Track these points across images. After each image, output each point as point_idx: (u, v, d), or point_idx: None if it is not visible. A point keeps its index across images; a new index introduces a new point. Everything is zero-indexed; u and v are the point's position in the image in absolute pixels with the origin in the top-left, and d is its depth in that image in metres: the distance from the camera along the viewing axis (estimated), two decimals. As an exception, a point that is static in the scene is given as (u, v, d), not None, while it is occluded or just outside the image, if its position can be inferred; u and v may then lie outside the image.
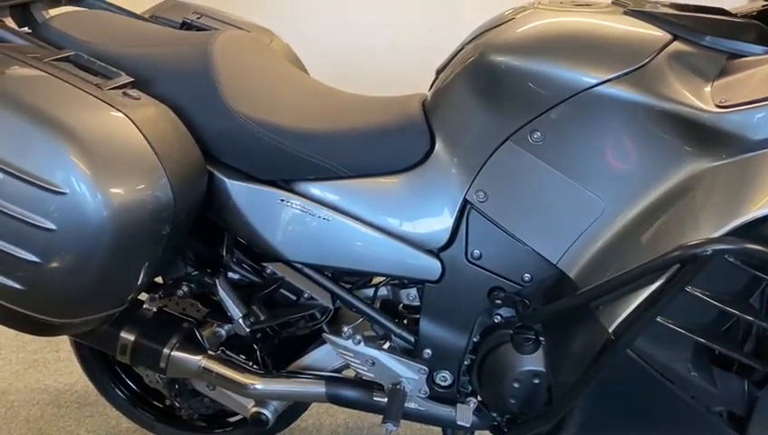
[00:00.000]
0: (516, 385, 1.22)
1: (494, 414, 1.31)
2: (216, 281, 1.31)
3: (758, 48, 1.06)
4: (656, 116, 1.03)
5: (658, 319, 1.02)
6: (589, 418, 1.19)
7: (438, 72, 1.30)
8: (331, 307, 1.32)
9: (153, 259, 1.15)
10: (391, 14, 2.81)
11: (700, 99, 1.00)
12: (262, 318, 1.32)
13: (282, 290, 1.35)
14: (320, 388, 1.35)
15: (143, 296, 1.38)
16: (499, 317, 1.24)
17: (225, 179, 1.22)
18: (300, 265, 1.27)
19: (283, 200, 1.22)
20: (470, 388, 1.31)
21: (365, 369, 1.31)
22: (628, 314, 1.02)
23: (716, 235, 0.94)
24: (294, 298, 1.35)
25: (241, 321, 1.31)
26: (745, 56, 1.05)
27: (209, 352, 1.36)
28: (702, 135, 1.00)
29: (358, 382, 1.36)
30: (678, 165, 1.03)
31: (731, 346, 1.09)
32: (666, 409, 1.15)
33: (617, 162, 1.08)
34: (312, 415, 1.80)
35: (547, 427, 1.20)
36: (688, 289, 0.99)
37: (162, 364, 1.37)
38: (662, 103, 1.02)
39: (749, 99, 0.96)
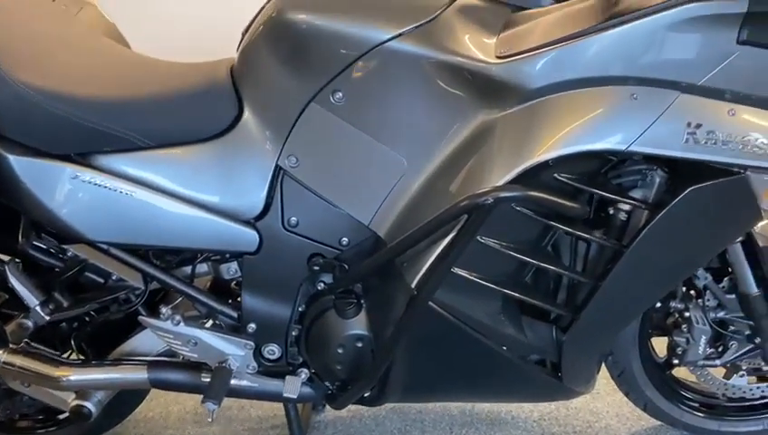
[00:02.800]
0: (341, 351, 1.20)
1: (327, 383, 1.29)
2: (6, 267, 1.20)
3: (543, 0, 1.09)
4: (444, 70, 1.03)
5: (457, 271, 1.03)
6: (409, 378, 1.20)
7: (243, 34, 1.24)
8: (143, 288, 1.24)
9: None
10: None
11: (483, 51, 1.02)
12: (64, 305, 1.22)
13: (88, 273, 1.25)
14: (141, 374, 1.27)
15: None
16: (322, 284, 1.22)
17: (9, 156, 1.11)
18: (105, 246, 1.19)
19: (77, 176, 1.13)
20: (300, 359, 1.28)
21: (188, 350, 1.25)
22: (427, 268, 1.03)
23: (501, 183, 0.96)
24: (102, 281, 1.26)
25: (38, 308, 1.21)
26: (530, 9, 1.07)
27: (11, 345, 1.25)
28: (487, 86, 1.01)
29: (183, 365, 1.30)
30: (469, 117, 1.04)
31: (533, 294, 1.12)
32: (481, 361, 1.18)
33: (413, 119, 1.08)
34: (159, 404, 1.72)
35: (367, 389, 1.19)
36: (482, 239, 1.01)
37: None
38: (448, 57, 1.02)
39: (524, 48, 0.98)
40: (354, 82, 1.08)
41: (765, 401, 1.46)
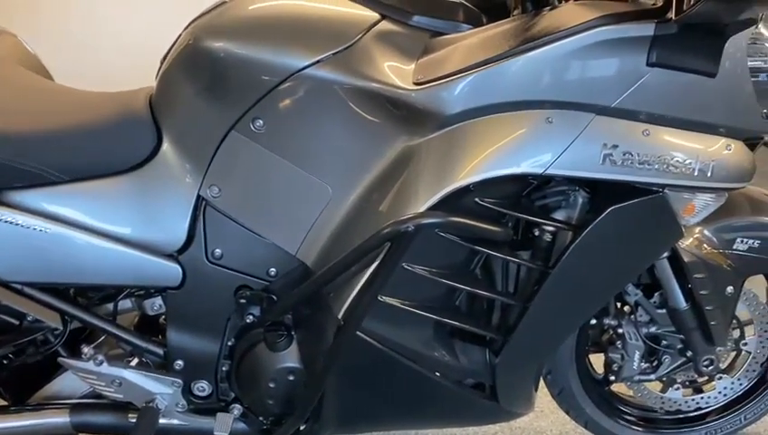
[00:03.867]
0: (272, 385, 1.17)
1: (261, 418, 1.25)
2: None
3: (463, 26, 1.09)
4: (362, 96, 1.02)
5: (384, 299, 1.01)
6: (344, 409, 1.17)
7: (162, 61, 1.21)
8: (62, 328, 1.19)
9: None
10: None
11: (401, 77, 1.01)
12: (-27, 349, 1.16)
13: (1, 315, 1.19)
14: (63, 418, 1.21)
15: None
16: (251, 317, 1.18)
17: None
18: (18, 286, 1.13)
19: (-13, 214, 1.08)
20: (232, 395, 1.24)
21: (112, 391, 1.20)
22: (353, 298, 1.01)
23: (423, 208, 0.95)
24: (17, 322, 1.20)
25: None
26: (449, 33, 1.07)
27: None
28: (406, 113, 1.01)
29: (109, 406, 1.24)
30: (391, 144, 1.04)
31: (463, 318, 1.11)
32: (416, 389, 1.16)
33: (336, 146, 1.06)
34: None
35: (300, 423, 1.16)
36: (408, 266, 1.00)
37: None
38: (366, 83, 1.01)
39: (440, 75, 0.97)
40: (274, 110, 1.06)
41: (700, 412, 1.48)
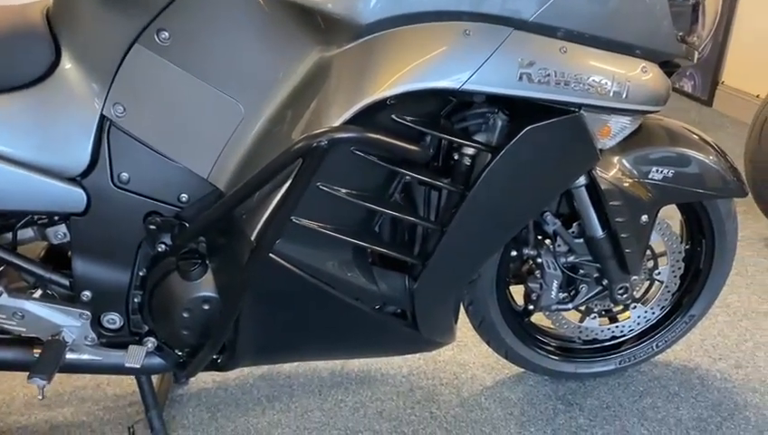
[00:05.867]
0: (187, 315, 1.13)
1: (177, 351, 1.22)
2: None
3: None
4: (274, 4, 0.97)
5: (298, 220, 0.98)
6: (261, 338, 1.15)
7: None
8: (-47, 259, 1.11)
9: None
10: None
11: None
12: None
13: None
14: (-40, 354, 1.14)
15: None
16: (163, 245, 1.13)
17: None
18: None
19: None
20: (146, 327, 1.20)
21: (14, 324, 1.13)
22: (266, 219, 0.97)
23: (337, 123, 0.92)
24: None
25: None
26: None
27: None
28: (320, 22, 0.96)
29: (12, 341, 1.18)
30: (304, 55, 0.99)
31: (381, 242, 1.10)
32: (334, 316, 1.14)
33: (247, 59, 1.01)
34: (4, 389, 1.57)
35: (214, 353, 1.13)
36: (323, 186, 0.96)
37: None
38: None
39: None
40: (180, 20, 0.99)
41: (615, 341, 1.53)
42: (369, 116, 0.94)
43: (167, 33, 1.00)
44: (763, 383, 1.55)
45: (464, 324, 1.47)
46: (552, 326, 1.50)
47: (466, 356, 1.66)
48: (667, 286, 1.46)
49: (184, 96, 1.03)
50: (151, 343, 1.19)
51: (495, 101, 1.05)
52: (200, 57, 1.01)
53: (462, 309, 1.39)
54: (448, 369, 1.62)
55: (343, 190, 1.00)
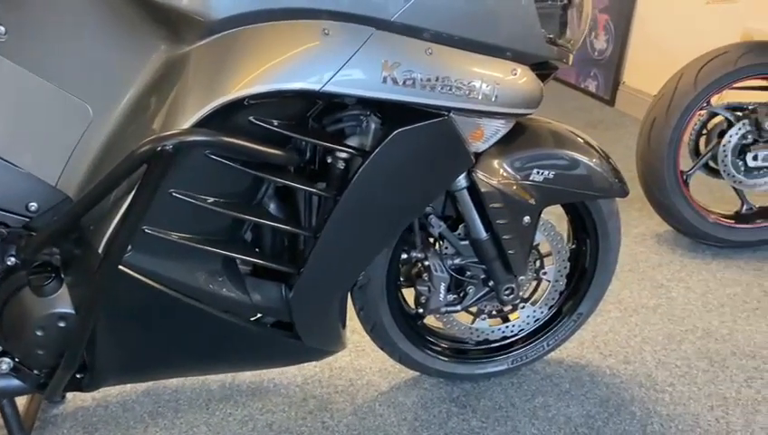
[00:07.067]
0: (41, 333, 1.04)
1: (35, 371, 1.12)
2: None
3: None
4: None
5: (151, 230, 0.92)
6: (123, 356, 1.07)
7: None
8: None
9: None
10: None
11: None
12: None
13: None
14: None
15: None
16: (12, 259, 1.04)
17: None
18: None
19: None
20: (0, 347, 1.10)
21: None
22: (113, 229, 0.90)
23: (187, 125, 0.86)
24: None
25: None
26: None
27: None
28: (168, 17, 0.89)
29: None
30: (152, 53, 0.92)
31: (251, 252, 1.04)
32: (202, 331, 1.08)
33: (92, 58, 0.93)
34: None
35: (71, 372, 1.05)
36: (176, 193, 0.90)
37: None
38: None
39: None
40: (16, 14, 0.91)
41: (506, 341, 1.54)
42: (226, 118, 0.89)
43: (2, 28, 0.91)
44: (649, 378, 1.59)
45: (361, 329, 1.43)
46: (443, 328, 1.48)
47: (363, 362, 1.63)
48: (554, 286, 1.47)
49: (26, 97, 0.94)
50: (6, 364, 1.10)
51: (367, 103, 1.02)
52: (41, 55, 0.93)
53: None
54: (344, 375, 1.58)
55: (201, 197, 0.94)
